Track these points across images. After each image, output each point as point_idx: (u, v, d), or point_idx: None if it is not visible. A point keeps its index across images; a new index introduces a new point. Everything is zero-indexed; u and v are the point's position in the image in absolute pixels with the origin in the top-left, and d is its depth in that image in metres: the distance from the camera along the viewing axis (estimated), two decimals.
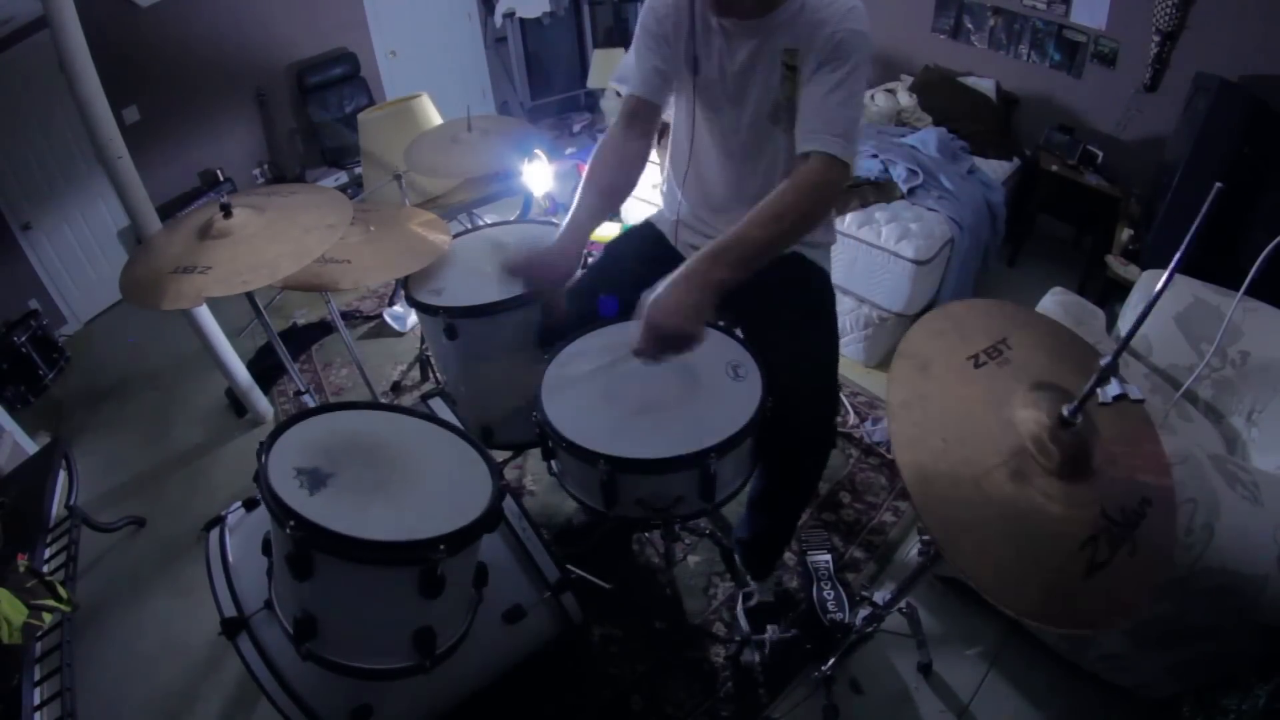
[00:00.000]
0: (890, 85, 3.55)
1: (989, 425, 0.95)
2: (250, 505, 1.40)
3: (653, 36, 1.40)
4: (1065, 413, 0.92)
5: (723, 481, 1.26)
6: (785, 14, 1.28)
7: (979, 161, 3.03)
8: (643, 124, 1.43)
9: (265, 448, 1.08)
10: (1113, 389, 0.87)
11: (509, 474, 2.22)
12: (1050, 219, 3.36)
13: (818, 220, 1.28)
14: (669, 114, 1.54)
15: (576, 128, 4.81)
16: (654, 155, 2.69)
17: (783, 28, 1.29)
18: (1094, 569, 0.86)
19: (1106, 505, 0.91)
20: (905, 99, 3.39)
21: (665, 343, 1.10)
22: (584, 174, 1.41)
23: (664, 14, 1.38)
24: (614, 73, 3.89)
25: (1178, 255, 0.83)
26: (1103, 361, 0.89)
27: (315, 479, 1.08)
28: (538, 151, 2.66)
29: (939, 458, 0.91)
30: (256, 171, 4.21)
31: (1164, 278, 0.86)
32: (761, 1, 1.27)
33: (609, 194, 1.42)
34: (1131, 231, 2.72)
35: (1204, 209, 0.81)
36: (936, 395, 0.98)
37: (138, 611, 2.00)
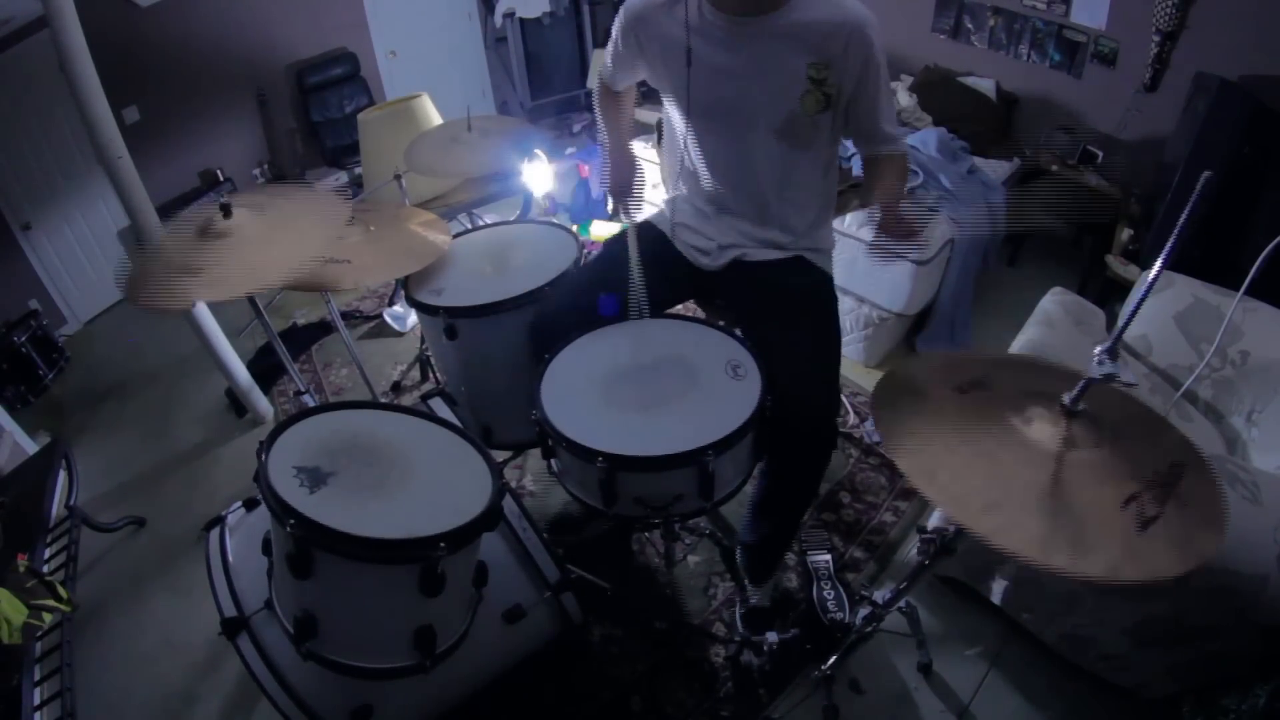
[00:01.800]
0: (890, 85, 3.55)
1: (997, 433, 0.96)
2: (250, 505, 1.40)
3: (630, 52, 1.47)
4: (1066, 401, 0.93)
5: (722, 480, 1.26)
6: (787, 18, 1.26)
7: (979, 161, 3.03)
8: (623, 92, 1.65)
9: (265, 447, 1.08)
10: (1105, 368, 0.88)
11: (509, 474, 2.22)
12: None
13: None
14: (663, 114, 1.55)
15: (576, 128, 4.81)
16: (653, 155, 2.69)
17: (792, 35, 1.27)
18: (1147, 523, 0.86)
19: (1137, 469, 0.92)
20: (905, 99, 3.39)
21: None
22: (600, 120, 1.66)
23: (651, 18, 1.37)
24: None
25: (1170, 240, 0.84)
26: (1100, 348, 0.90)
27: (315, 478, 1.08)
28: (538, 151, 2.66)
29: (942, 458, 0.92)
30: (256, 171, 4.21)
31: (1157, 265, 0.86)
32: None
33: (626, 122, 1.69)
34: (1131, 231, 2.72)
35: (1194, 196, 0.82)
36: (928, 409, 0.99)
37: (138, 611, 2.00)
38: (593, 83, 4.44)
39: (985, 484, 0.89)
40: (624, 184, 1.66)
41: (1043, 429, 0.94)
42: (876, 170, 1.47)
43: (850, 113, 1.38)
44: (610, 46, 1.53)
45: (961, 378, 1.05)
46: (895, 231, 1.48)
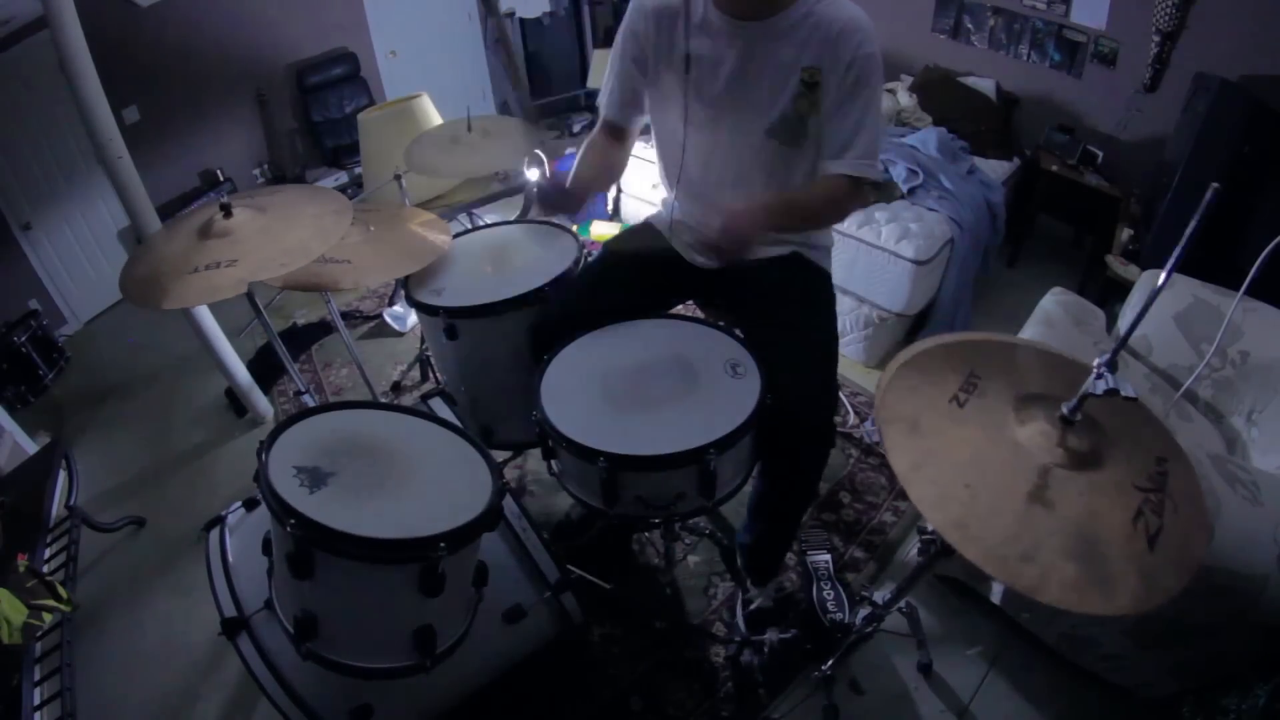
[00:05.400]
0: (890, 85, 3.54)
1: (1001, 455, 0.94)
2: (250, 505, 1.40)
3: (631, 56, 1.42)
4: (1065, 411, 0.92)
5: (723, 479, 1.26)
6: (787, 21, 1.27)
7: (979, 161, 3.03)
8: (621, 138, 1.51)
9: (265, 447, 1.08)
10: (1105, 383, 0.88)
11: (509, 474, 2.22)
12: (1050, 219, 3.36)
13: (827, 226, 1.56)
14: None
15: (576, 128, 4.81)
16: (651, 154, 2.66)
17: (789, 37, 1.28)
18: (1154, 539, 0.86)
19: (1134, 478, 0.92)
20: (905, 99, 3.39)
21: (735, 244, 1.28)
22: (574, 167, 1.49)
23: (648, 20, 1.37)
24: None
25: (1175, 254, 0.83)
26: (1099, 361, 0.89)
27: (315, 478, 1.08)
28: (538, 151, 2.66)
29: (970, 505, 0.90)
30: (256, 171, 4.21)
31: (1162, 278, 0.86)
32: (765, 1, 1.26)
33: (591, 185, 1.55)
34: (1131, 231, 2.72)
35: (1201, 208, 0.81)
36: (939, 448, 0.96)
37: (138, 611, 2.00)
38: (593, 82, 4.48)
39: (1018, 534, 0.86)
40: (554, 202, 1.49)
41: (1050, 448, 0.92)
42: (826, 186, 1.37)
43: (827, 120, 1.32)
44: (609, 72, 1.47)
45: (954, 384, 1.03)
46: (731, 244, 1.27)
